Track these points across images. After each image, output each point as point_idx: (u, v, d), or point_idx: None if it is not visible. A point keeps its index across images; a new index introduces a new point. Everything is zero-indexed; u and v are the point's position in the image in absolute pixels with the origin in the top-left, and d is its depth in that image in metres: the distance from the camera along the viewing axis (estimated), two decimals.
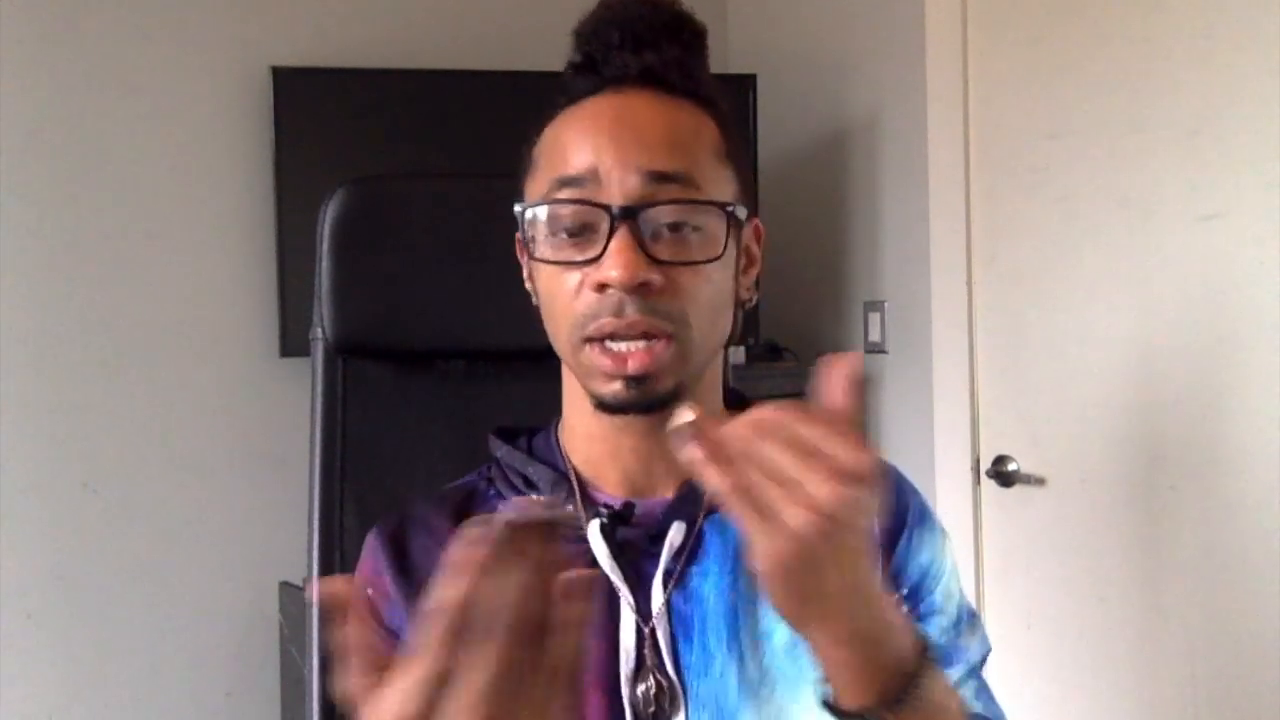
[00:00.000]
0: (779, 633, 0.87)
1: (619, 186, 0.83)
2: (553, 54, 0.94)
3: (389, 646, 0.86)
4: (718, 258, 0.85)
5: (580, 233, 0.84)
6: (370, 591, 0.90)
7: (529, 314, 0.92)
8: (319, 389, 1.18)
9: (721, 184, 0.87)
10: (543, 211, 0.85)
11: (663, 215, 0.83)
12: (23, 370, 2.21)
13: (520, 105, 0.91)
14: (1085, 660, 2.09)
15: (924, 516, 0.95)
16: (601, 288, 0.83)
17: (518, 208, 0.89)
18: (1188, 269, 1.93)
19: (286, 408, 2.28)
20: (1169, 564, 1.97)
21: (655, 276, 0.82)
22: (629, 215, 0.82)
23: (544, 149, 0.89)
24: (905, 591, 0.92)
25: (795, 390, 2.48)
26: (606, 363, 0.84)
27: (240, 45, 2.39)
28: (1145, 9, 1.97)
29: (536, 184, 0.88)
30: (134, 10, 2.30)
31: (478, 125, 2.38)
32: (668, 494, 0.91)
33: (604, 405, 0.86)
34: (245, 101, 2.38)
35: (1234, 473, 1.88)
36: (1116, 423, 2.04)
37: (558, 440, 0.95)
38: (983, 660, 0.95)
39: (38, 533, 2.22)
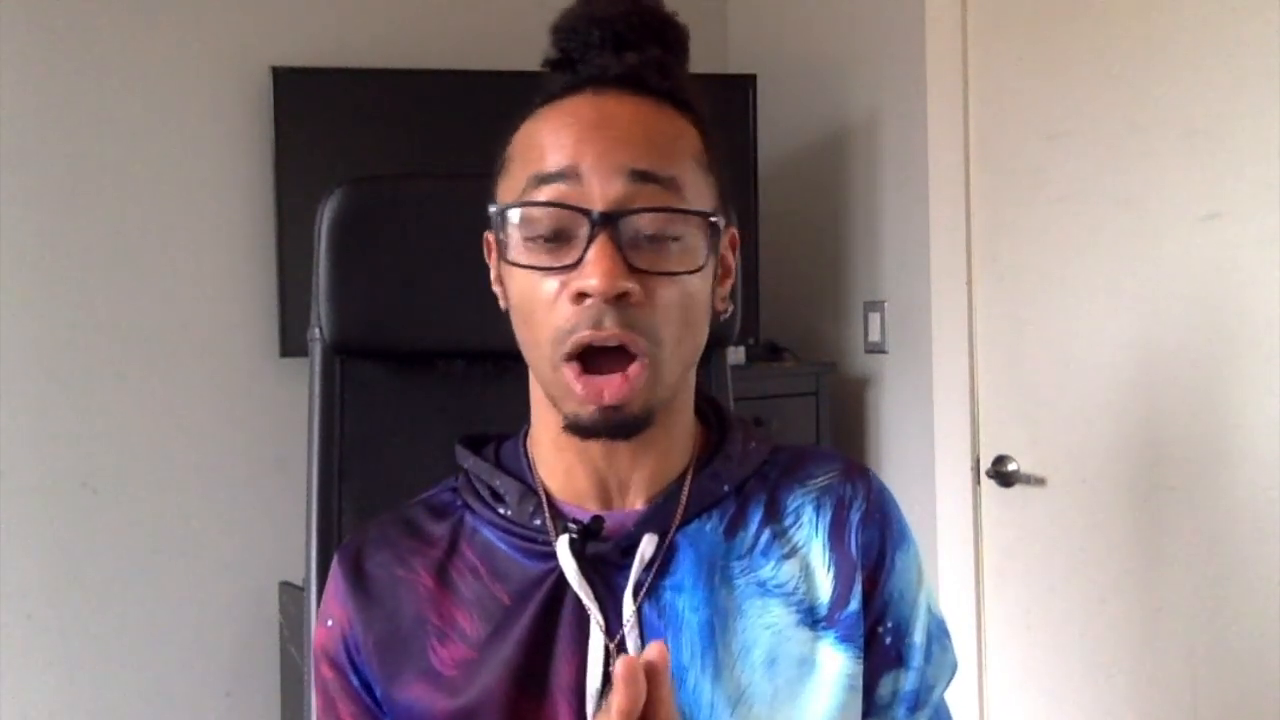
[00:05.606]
0: (758, 648, 0.85)
1: (599, 189, 0.80)
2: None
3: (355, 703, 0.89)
4: (698, 270, 0.83)
5: (556, 237, 0.81)
6: (330, 623, 0.90)
7: None
8: (317, 389, 1.18)
9: (703, 192, 0.85)
10: (517, 214, 0.82)
11: (643, 223, 0.80)
12: (23, 370, 2.21)
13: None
14: (1085, 660, 2.09)
15: (903, 535, 0.92)
16: (580, 297, 0.80)
17: (492, 208, 0.85)
18: (1188, 269, 1.93)
19: (286, 408, 2.28)
20: (1169, 564, 1.97)
21: (634, 286, 0.79)
22: (609, 221, 0.79)
23: (518, 147, 0.86)
24: (889, 626, 0.89)
25: (795, 390, 2.48)
26: (580, 390, 0.81)
27: (240, 45, 2.38)
28: (1145, 9, 1.97)
29: (511, 182, 0.85)
30: (134, 10, 2.30)
31: (477, 125, 2.34)
32: (639, 504, 0.89)
33: (576, 428, 0.83)
34: (245, 101, 2.38)
35: (1234, 473, 1.88)
36: (1117, 423, 2.04)
37: (525, 450, 0.93)
38: (949, 682, 0.94)
39: (38, 533, 2.22)
